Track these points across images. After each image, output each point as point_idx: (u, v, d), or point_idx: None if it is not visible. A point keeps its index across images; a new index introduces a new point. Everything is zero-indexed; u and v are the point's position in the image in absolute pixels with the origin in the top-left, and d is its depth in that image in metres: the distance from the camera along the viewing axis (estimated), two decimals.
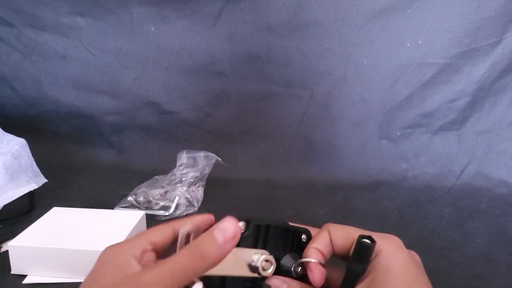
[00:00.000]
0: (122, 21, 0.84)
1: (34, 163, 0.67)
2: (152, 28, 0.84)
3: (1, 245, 0.54)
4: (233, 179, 0.84)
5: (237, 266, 0.33)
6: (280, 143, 0.89)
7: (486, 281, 0.51)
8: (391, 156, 0.86)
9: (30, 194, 0.65)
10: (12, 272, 0.49)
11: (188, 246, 0.30)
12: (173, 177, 0.75)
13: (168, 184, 0.74)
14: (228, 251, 0.30)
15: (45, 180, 0.67)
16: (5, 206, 0.59)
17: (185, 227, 0.33)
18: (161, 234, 0.34)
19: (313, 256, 0.36)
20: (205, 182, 0.76)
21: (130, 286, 0.28)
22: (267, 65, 0.84)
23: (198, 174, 0.76)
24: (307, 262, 0.36)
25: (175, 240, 0.33)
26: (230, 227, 0.30)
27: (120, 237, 0.50)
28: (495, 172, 0.83)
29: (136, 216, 0.56)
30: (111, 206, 0.68)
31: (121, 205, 0.68)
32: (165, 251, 0.33)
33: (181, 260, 0.29)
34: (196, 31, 0.83)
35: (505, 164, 0.83)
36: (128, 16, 0.83)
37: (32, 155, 0.67)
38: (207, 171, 0.77)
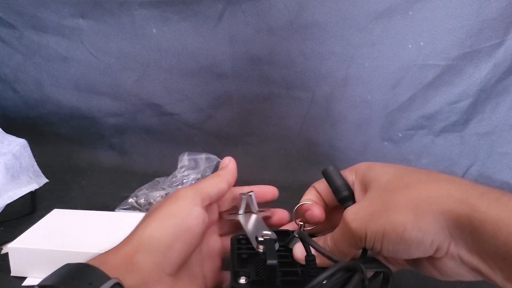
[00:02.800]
0: (123, 23, 0.84)
1: (35, 163, 0.67)
2: (153, 30, 0.84)
3: (1, 247, 0.54)
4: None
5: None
6: (282, 145, 0.89)
7: (489, 284, 0.51)
8: (393, 158, 0.85)
9: (32, 195, 0.65)
10: (12, 274, 0.48)
11: (209, 176, 0.43)
12: (174, 179, 0.75)
13: (169, 186, 0.74)
14: (234, 171, 0.44)
15: (46, 180, 0.67)
16: (7, 207, 0.59)
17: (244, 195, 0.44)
18: (217, 189, 0.41)
19: (306, 201, 0.42)
20: None
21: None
22: (268, 66, 0.84)
23: (199, 176, 0.75)
24: (301, 205, 0.41)
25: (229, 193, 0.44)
26: (228, 159, 0.45)
27: (121, 240, 0.50)
28: (498, 174, 0.83)
29: (137, 218, 0.55)
30: (112, 208, 0.68)
31: (122, 207, 0.68)
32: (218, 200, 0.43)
33: (209, 179, 0.41)
34: (198, 33, 0.83)
35: (507, 165, 0.82)
36: (129, 18, 0.84)
37: (34, 156, 0.67)
38: (209, 173, 0.77)
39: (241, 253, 0.39)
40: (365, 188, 0.36)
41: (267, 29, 0.81)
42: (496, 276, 0.28)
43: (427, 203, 0.30)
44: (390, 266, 0.36)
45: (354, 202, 0.38)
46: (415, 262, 0.34)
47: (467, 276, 0.31)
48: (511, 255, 0.26)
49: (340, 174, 0.40)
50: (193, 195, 0.37)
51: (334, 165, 0.40)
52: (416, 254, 0.31)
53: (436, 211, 0.29)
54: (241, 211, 0.45)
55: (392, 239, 0.31)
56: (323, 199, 0.42)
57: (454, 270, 0.31)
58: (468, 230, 0.28)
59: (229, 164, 0.44)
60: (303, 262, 0.36)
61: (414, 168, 0.35)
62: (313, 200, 0.42)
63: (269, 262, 0.34)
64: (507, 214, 0.27)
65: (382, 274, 0.34)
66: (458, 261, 0.30)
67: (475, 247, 0.29)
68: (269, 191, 0.46)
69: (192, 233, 0.35)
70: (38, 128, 0.92)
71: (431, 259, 0.32)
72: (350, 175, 0.40)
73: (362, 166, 0.39)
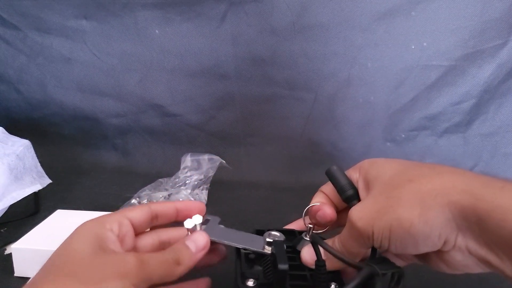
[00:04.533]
0: (126, 24, 0.84)
1: (39, 164, 0.67)
2: (156, 31, 0.84)
3: (5, 247, 0.54)
4: (237, 182, 0.84)
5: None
6: (284, 145, 0.89)
7: (492, 285, 0.50)
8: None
9: (35, 196, 0.65)
10: (16, 274, 0.49)
11: (167, 250, 0.33)
12: (177, 180, 0.75)
13: (172, 187, 0.74)
14: (198, 259, 0.34)
15: (50, 181, 0.67)
16: (10, 208, 0.59)
17: (188, 222, 0.37)
18: (139, 211, 0.37)
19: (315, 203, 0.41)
20: (209, 184, 0.76)
21: (106, 260, 0.30)
22: (271, 67, 0.84)
23: (202, 176, 0.76)
24: (312, 206, 0.41)
25: (151, 218, 0.38)
26: (202, 239, 0.35)
27: None
28: (502, 174, 0.82)
29: None
30: (115, 209, 0.67)
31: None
32: (142, 227, 0.38)
33: (159, 259, 0.32)
34: (201, 34, 0.83)
35: (511, 166, 0.82)
36: (132, 19, 0.84)
37: (37, 157, 0.67)
38: (211, 173, 0.77)
39: (248, 253, 0.38)
40: (369, 185, 0.36)
41: (269, 30, 0.81)
42: (504, 266, 0.28)
43: (431, 196, 0.30)
44: (399, 262, 0.36)
45: (359, 200, 0.37)
46: (424, 257, 0.34)
47: (476, 268, 0.31)
48: None
49: (344, 173, 0.40)
50: (142, 276, 0.30)
51: (337, 165, 0.40)
52: (424, 248, 0.31)
53: (442, 203, 0.29)
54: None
55: (399, 235, 0.30)
56: (332, 202, 0.42)
57: (462, 262, 0.31)
58: (474, 221, 0.28)
59: (198, 252, 0.35)
60: (313, 267, 0.35)
61: (417, 163, 0.35)
62: (322, 202, 0.41)
63: (280, 266, 0.32)
64: None
65: (392, 274, 0.34)
66: (466, 253, 0.30)
67: (483, 237, 0.29)
68: (195, 207, 0.40)
69: None
70: (41, 129, 0.93)
71: (439, 252, 0.31)
72: (354, 173, 0.39)
73: (365, 163, 0.39)
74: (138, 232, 0.37)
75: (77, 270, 0.29)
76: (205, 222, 0.38)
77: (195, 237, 0.35)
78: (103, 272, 0.29)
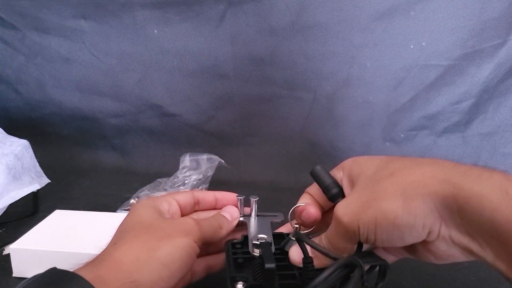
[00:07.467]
0: (125, 24, 0.84)
1: (37, 164, 0.67)
2: (155, 31, 0.84)
3: (3, 248, 0.54)
4: (236, 182, 0.84)
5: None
6: (283, 145, 0.89)
7: (491, 287, 0.50)
8: None
9: (34, 196, 0.65)
10: (14, 275, 0.48)
11: (212, 217, 0.42)
12: (176, 180, 0.75)
13: (171, 187, 0.74)
14: (234, 226, 0.43)
15: (48, 181, 0.67)
16: (9, 208, 0.59)
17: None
18: (184, 195, 0.44)
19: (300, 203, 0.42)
20: (208, 184, 0.76)
21: (171, 222, 0.37)
22: (270, 67, 0.84)
23: (201, 176, 0.75)
24: (297, 207, 0.42)
25: (194, 203, 0.45)
26: (235, 211, 0.44)
27: None
28: None
29: None
30: (113, 209, 0.68)
31: (123, 208, 0.68)
32: (187, 210, 0.44)
33: (209, 223, 0.40)
34: (199, 34, 0.83)
35: (510, 166, 0.82)
36: (131, 19, 0.84)
37: (36, 157, 0.67)
38: (210, 173, 0.77)
39: (236, 257, 0.39)
40: (353, 182, 0.37)
41: (268, 29, 0.81)
42: (486, 254, 0.29)
43: (413, 187, 0.30)
44: (389, 257, 0.37)
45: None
46: (411, 249, 0.34)
47: (460, 257, 0.31)
48: (496, 231, 0.27)
49: (328, 173, 0.40)
50: (199, 235, 0.37)
51: (321, 165, 0.41)
52: (409, 239, 0.31)
53: (423, 194, 0.30)
54: (253, 214, 0.46)
55: (384, 228, 0.31)
56: (318, 202, 0.42)
57: (447, 252, 0.31)
58: (455, 210, 0.29)
59: (233, 221, 0.44)
60: (300, 265, 0.36)
61: (398, 156, 0.35)
62: (308, 202, 0.42)
63: (267, 265, 0.33)
64: (489, 190, 0.27)
65: (378, 267, 0.34)
66: (450, 242, 0.30)
67: (464, 225, 0.29)
68: (231, 198, 0.46)
69: (188, 270, 0.36)
70: (40, 129, 0.93)
71: (424, 243, 0.32)
72: (338, 172, 0.40)
73: (348, 162, 0.40)
74: (183, 214, 0.43)
75: (151, 229, 0.36)
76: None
77: (229, 209, 0.44)
78: (171, 231, 0.36)
